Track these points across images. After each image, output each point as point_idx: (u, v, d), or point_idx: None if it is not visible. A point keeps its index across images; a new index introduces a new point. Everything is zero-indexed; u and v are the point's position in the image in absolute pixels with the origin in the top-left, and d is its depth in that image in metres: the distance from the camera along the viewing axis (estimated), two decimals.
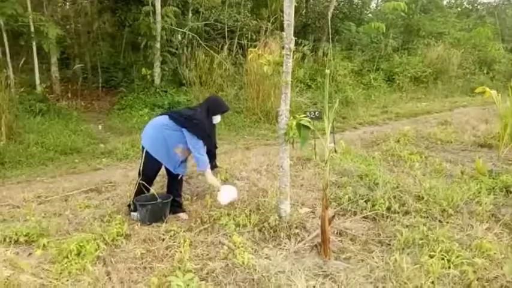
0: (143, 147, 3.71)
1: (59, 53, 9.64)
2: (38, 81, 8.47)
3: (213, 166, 4.06)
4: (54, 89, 9.39)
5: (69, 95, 9.35)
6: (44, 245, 3.11)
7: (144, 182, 3.68)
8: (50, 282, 2.67)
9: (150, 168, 3.72)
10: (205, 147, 3.69)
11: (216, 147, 4.23)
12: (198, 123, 3.58)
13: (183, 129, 3.58)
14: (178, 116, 3.66)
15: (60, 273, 2.76)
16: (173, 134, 3.62)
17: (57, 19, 10.69)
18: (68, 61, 11.56)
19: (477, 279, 2.72)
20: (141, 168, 3.69)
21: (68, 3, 11.97)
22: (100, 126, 8.13)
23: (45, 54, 9.15)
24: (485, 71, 13.74)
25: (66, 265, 2.82)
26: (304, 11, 13.59)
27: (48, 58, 9.47)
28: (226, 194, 3.68)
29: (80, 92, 9.88)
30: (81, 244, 2.98)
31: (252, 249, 3.20)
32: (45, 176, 5.25)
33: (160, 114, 3.97)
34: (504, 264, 2.90)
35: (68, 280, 2.69)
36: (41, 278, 2.72)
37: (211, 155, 3.95)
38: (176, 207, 3.87)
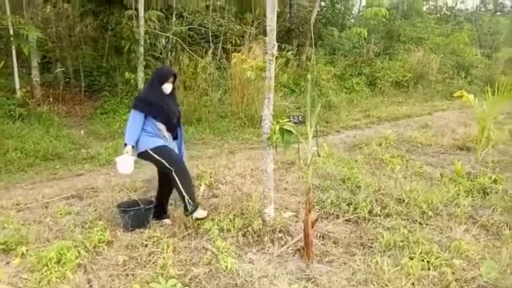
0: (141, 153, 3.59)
1: (39, 57, 9.44)
2: (17, 86, 8.28)
3: (175, 137, 3.81)
4: (34, 94, 9.18)
5: (51, 99, 9.15)
6: (22, 253, 3.05)
7: (182, 170, 3.52)
8: None
9: (168, 154, 3.53)
10: (159, 121, 3.55)
11: (178, 117, 3.80)
12: (136, 97, 3.63)
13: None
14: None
15: (39, 282, 2.70)
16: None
17: (37, 22, 10.47)
18: (49, 65, 11.34)
19: (455, 280, 2.78)
20: (167, 165, 3.48)
21: (48, 6, 11.75)
22: (82, 131, 8.00)
23: (26, 57, 8.96)
24: (463, 76, 14.11)
25: (45, 274, 2.76)
26: (288, 15, 13.70)
27: (29, 62, 9.26)
28: (122, 165, 3.52)
29: (61, 96, 9.69)
30: (61, 252, 2.93)
31: (236, 254, 3.20)
32: (24, 183, 5.15)
33: None
34: (481, 265, 2.98)
35: None
36: (19, 287, 2.66)
37: (171, 126, 3.69)
38: (161, 213, 3.84)
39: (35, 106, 8.35)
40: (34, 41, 8.56)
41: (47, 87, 10.05)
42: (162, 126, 3.58)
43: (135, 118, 3.52)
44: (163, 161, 3.49)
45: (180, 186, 3.49)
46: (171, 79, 3.65)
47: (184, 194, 3.49)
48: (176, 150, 3.73)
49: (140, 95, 3.60)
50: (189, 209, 3.51)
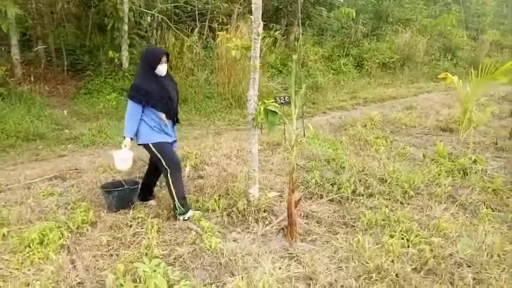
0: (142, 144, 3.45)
1: (19, 34, 9.13)
2: None
3: (177, 120, 3.70)
4: (15, 72, 8.90)
5: (32, 78, 8.91)
6: (3, 234, 3.03)
7: (176, 173, 3.43)
8: (11, 272, 2.61)
9: (167, 152, 3.43)
10: (156, 107, 3.35)
11: (173, 101, 3.53)
12: (132, 85, 3.34)
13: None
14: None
15: (22, 263, 2.70)
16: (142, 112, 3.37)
17: None
18: (30, 43, 10.96)
19: (433, 257, 2.87)
20: (164, 163, 3.38)
21: None
22: (65, 112, 7.84)
23: (4, 35, 8.66)
24: (449, 58, 14.20)
25: (28, 255, 2.76)
26: None
27: (8, 39, 8.96)
28: (121, 160, 3.41)
29: (43, 75, 9.43)
30: (44, 233, 2.92)
31: (220, 233, 3.24)
32: (5, 164, 5.05)
33: None
34: (458, 242, 3.08)
35: (29, 270, 2.64)
36: (1, 269, 2.65)
37: (172, 113, 3.53)
38: (147, 195, 3.82)
39: (16, 85, 8.12)
40: (13, 17, 8.23)
41: (28, 65, 9.76)
42: (162, 115, 3.41)
43: (132, 109, 3.33)
44: (162, 159, 3.38)
45: (172, 188, 3.39)
46: (164, 59, 3.40)
47: (175, 197, 3.39)
48: (175, 138, 3.65)
49: (135, 83, 3.32)
50: (179, 212, 3.42)
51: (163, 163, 3.38)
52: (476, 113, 6.23)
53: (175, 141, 3.66)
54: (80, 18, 11.32)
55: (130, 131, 3.36)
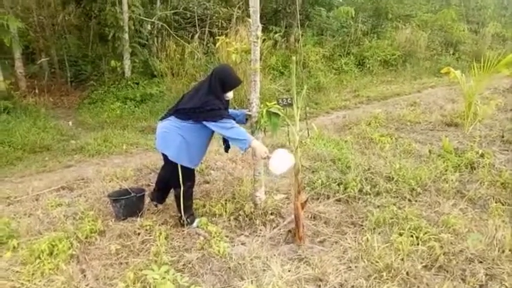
0: (166, 157, 3.27)
1: (22, 47, 9.23)
2: (1, 78, 8.11)
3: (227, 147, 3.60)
4: (19, 86, 9.02)
5: (36, 91, 9.01)
6: (14, 246, 3.05)
7: (190, 189, 3.38)
8: (22, 284, 2.63)
9: (189, 173, 3.33)
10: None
11: None
12: (214, 107, 3.07)
13: (204, 122, 3.12)
14: (189, 111, 3.16)
15: (33, 274, 2.71)
16: (193, 129, 3.18)
17: (17, 11, 10.21)
18: (33, 56, 11.09)
19: (444, 254, 2.86)
20: (181, 180, 3.24)
21: None
22: (70, 122, 7.91)
23: (8, 49, 8.76)
24: (451, 52, 14.09)
25: (38, 266, 2.77)
26: None
27: (11, 53, 9.06)
28: (279, 161, 3.08)
29: (47, 87, 9.54)
30: (53, 243, 2.94)
31: (228, 237, 3.24)
32: (13, 176, 5.09)
33: (164, 117, 3.37)
34: (468, 238, 3.05)
35: (40, 281, 2.65)
36: (12, 281, 2.67)
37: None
38: (160, 200, 3.75)
39: (21, 98, 8.23)
40: (15, 31, 8.35)
41: (32, 78, 9.87)
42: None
43: (230, 123, 3.11)
44: (182, 176, 3.24)
45: (182, 203, 3.33)
46: None
47: (183, 212, 3.35)
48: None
49: (212, 103, 3.07)
50: (185, 224, 3.37)
51: (181, 180, 3.24)
52: (481, 106, 6.17)
53: None
54: (81, 29, 11.45)
55: (248, 135, 3.12)
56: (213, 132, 3.25)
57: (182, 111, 3.20)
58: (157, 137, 3.31)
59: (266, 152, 3.12)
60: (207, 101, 3.09)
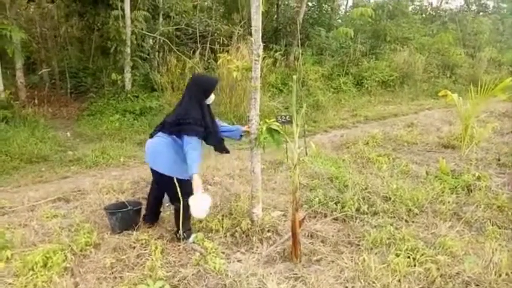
0: (160, 174, 3.27)
1: (24, 58, 9.31)
2: (1, 87, 8.14)
3: (225, 150, 3.59)
4: (19, 96, 9.04)
5: (36, 101, 9.02)
6: (7, 257, 3.01)
7: (185, 207, 3.23)
8: None
9: (188, 188, 3.16)
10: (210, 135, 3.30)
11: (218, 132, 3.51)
12: (188, 119, 3.13)
13: (184, 136, 3.14)
14: (170, 126, 3.22)
15: (25, 286, 2.67)
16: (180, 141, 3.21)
17: (21, 22, 10.34)
18: (34, 66, 11.18)
19: (440, 276, 2.84)
20: (180, 196, 3.20)
21: (32, 6, 11.56)
22: (68, 133, 7.91)
23: (9, 59, 8.82)
24: (448, 75, 14.34)
25: (31, 278, 2.73)
26: (275, 16, 13.75)
27: (13, 63, 9.12)
28: (199, 206, 3.08)
29: (47, 98, 9.56)
30: (48, 255, 2.90)
31: (224, 254, 3.21)
32: (9, 186, 5.06)
33: (154, 132, 3.42)
34: (465, 261, 3.05)
35: None
36: None
37: (219, 138, 3.49)
38: (154, 220, 3.72)
39: (20, 108, 8.22)
40: (18, 41, 8.42)
41: (32, 88, 9.91)
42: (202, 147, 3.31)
43: (198, 144, 3.16)
44: (180, 192, 3.20)
45: (181, 219, 3.28)
46: None
47: (181, 227, 3.30)
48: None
49: (191, 115, 3.12)
50: (182, 239, 3.35)
51: (179, 195, 3.21)
52: (478, 129, 6.24)
53: None
54: (83, 42, 11.57)
55: (197, 168, 3.10)
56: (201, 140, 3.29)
57: (167, 125, 3.27)
58: (148, 154, 3.35)
59: (199, 190, 3.04)
60: (188, 110, 3.18)
